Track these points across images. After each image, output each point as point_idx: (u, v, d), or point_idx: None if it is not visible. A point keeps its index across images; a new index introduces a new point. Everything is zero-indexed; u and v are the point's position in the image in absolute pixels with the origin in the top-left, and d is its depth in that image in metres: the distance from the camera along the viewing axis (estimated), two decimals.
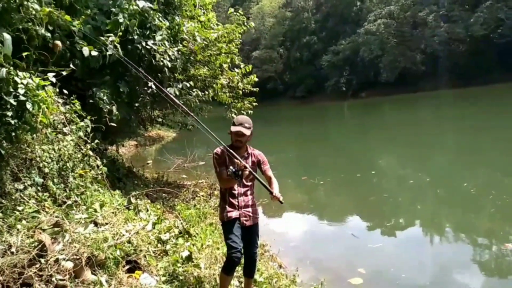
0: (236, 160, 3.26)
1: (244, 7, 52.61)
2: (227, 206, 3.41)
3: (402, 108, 31.01)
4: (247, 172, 3.26)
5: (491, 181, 8.51)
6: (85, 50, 4.48)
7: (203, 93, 7.22)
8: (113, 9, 5.17)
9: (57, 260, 2.87)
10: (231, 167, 3.28)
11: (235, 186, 3.42)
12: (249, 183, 3.48)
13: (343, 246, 6.15)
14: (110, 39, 4.76)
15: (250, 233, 3.46)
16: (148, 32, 5.68)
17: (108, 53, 4.70)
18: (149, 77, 4.46)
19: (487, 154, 11.05)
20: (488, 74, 36.29)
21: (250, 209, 3.46)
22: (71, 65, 4.56)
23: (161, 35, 5.72)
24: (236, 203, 3.41)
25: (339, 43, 51.45)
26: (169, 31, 6.25)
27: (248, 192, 3.48)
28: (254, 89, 8.80)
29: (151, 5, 5.51)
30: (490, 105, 23.56)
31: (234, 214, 3.38)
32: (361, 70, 47.46)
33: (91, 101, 5.20)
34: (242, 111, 8.60)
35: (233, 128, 3.34)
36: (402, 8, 45.18)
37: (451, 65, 39.83)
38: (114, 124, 5.34)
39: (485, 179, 8.77)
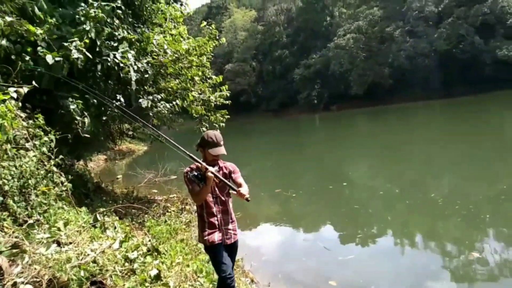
0: (198, 164, 3.17)
1: (217, 21, 52.89)
2: (206, 229, 3.28)
3: (371, 120, 31.89)
4: (210, 174, 3.10)
5: (457, 191, 8.80)
6: (49, 58, 4.34)
7: (171, 104, 7.10)
8: (78, 17, 5.05)
9: (15, 284, 2.70)
10: (194, 172, 3.18)
11: (213, 205, 3.29)
12: (225, 198, 3.35)
13: (315, 259, 6.16)
14: (74, 43, 4.63)
15: (231, 251, 3.38)
16: (116, 44, 5.60)
17: (73, 56, 4.55)
18: (109, 99, 4.35)
19: (452, 165, 11.45)
20: (451, 88, 38.04)
21: (230, 226, 3.36)
22: (35, 80, 4.39)
23: (123, 47, 5.62)
24: (216, 222, 3.28)
25: (310, 57, 52.57)
26: (138, 44, 6.18)
27: (227, 209, 3.36)
28: (227, 102, 8.78)
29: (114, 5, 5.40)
30: (454, 117, 24.62)
31: (216, 236, 3.27)
32: (332, 83, 48.55)
33: (62, 111, 5.02)
34: (215, 124, 8.55)
35: (215, 151, 3.23)
36: (370, 24, 46.79)
37: (417, 79, 41.38)
38: (88, 135, 5.18)
39: (451, 189, 9.06)
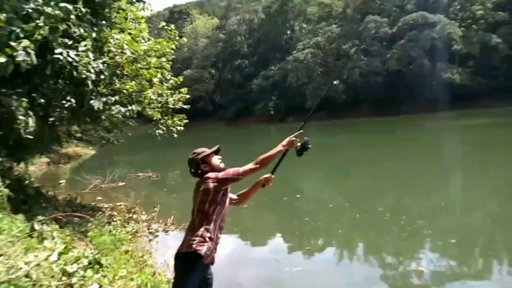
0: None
1: (177, 26, 52.11)
2: (211, 243, 2.81)
3: (324, 133, 32.66)
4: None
5: (403, 206, 9.18)
6: None
7: (126, 109, 6.86)
8: (30, 12, 4.71)
9: None
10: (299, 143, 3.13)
11: (226, 218, 2.90)
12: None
13: (263, 270, 6.13)
14: (22, 44, 4.30)
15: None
16: (71, 42, 5.29)
17: (18, 59, 4.22)
18: None
19: (400, 180, 11.99)
20: (400, 106, 40.31)
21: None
22: None
23: (85, 45, 5.35)
24: (215, 239, 2.86)
25: (269, 68, 53.36)
26: (95, 42, 5.89)
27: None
28: (185, 106, 8.66)
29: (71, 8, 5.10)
30: (402, 134, 25.92)
31: (214, 257, 2.88)
32: (288, 95, 49.46)
33: (3, 110, 4.63)
34: (172, 128, 8.38)
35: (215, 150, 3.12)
36: (328, 40, 48.39)
37: (369, 96, 43.37)
38: (31, 137, 4.81)
39: (398, 204, 9.45)
